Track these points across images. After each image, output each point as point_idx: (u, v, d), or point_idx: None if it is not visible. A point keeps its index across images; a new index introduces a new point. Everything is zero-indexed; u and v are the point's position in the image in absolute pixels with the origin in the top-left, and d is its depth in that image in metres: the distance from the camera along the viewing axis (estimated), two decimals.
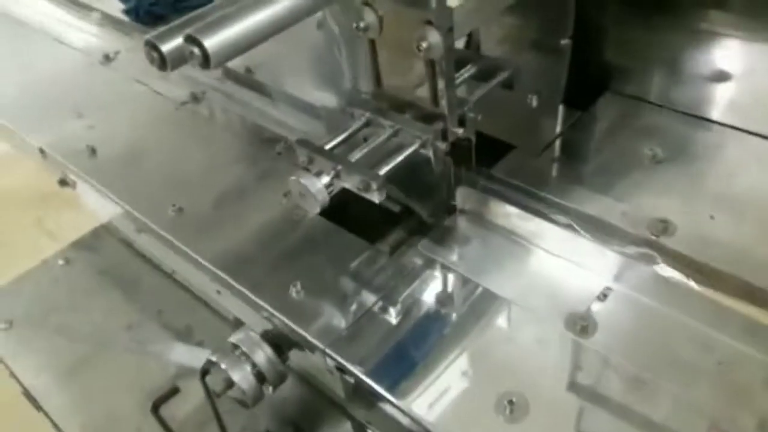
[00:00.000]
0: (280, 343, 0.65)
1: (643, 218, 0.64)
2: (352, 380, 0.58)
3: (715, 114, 0.76)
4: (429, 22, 0.56)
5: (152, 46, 0.57)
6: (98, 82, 0.97)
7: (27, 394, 0.81)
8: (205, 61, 0.55)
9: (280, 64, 0.86)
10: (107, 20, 1.13)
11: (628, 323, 0.58)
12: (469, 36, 0.78)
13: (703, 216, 0.65)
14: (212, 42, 0.54)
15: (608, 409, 0.53)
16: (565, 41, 0.76)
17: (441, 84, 0.61)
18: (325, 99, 0.78)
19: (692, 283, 0.58)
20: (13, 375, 0.84)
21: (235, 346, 0.63)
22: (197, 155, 0.80)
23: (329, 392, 0.70)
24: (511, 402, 0.52)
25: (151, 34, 0.57)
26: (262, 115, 0.84)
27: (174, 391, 0.71)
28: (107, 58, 1.02)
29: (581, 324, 0.57)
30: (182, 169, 0.78)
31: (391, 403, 0.54)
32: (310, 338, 0.59)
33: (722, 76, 0.74)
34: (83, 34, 1.11)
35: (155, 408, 0.68)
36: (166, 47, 0.56)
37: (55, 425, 0.77)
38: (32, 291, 0.95)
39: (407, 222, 0.74)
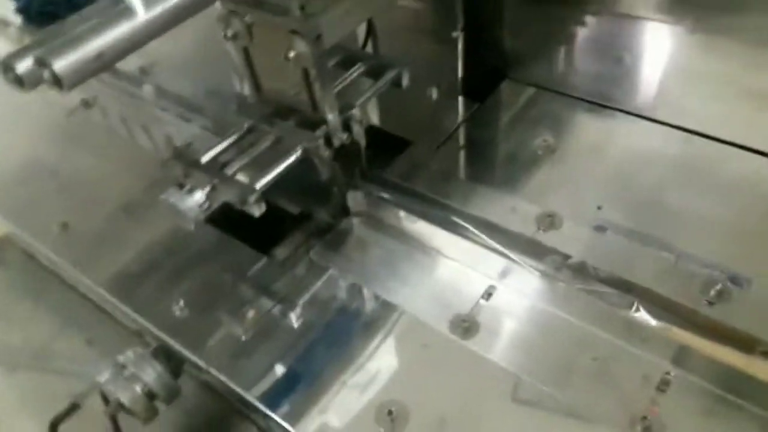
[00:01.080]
0: (173, 357, 0.64)
1: (531, 213, 0.64)
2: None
3: (611, 99, 0.76)
4: (295, 32, 0.55)
5: (6, 67, 0.54)
6: None
7: None
8: (57, 83, 0.52)
9: (174, 63, 0.83)
10: None
11: (510, 322, 0.58)
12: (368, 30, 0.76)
13: (590, 207, 0.65)
14: (63, 64, 0.52)
15: (486, 412, 0.53)
16: (456, 33, 0.75)
17: (317, 91, 0.59)
18: (217, 102, 0.76)
19: (571, 281, 0.59)
20: None
21: (123, 366, 0.62)
22: (87, 166, 0.77)
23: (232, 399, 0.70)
24: (390, 412, 0.52)
25: (6, 54, 0.54)
26: (157, 119, 0.82)
27: (73, 408, 0.69)
28: None
29: (463, 326, 0.58)
30: (70, 183, 0.75)
31: (276, 422, 0.54)
32: (194, 359, 0.58)
33: (618, 61, 0.75)
34: None
35: (53, 427, 0.67)
36: (21, 68, 0.54)
37: None
38: None
39: (303, 225, 0.73)
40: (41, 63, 0.51)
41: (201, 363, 0.57)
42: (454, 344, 0.57)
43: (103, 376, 0.61)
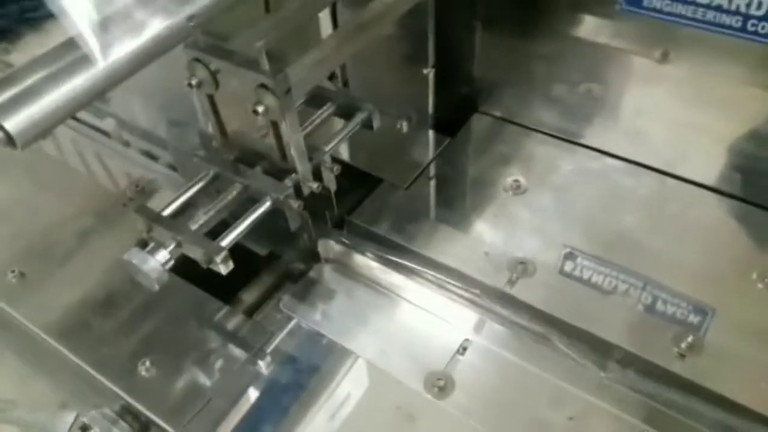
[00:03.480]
0: (139, 416, 0.62)
1: (504, 260, 0.64)
2: None
3: (581, 136, 0.76)
4: (263, 86, 0.52)
5: None
6: None
7: None
8: (10, 142, 0.49)
9: (136, 94, 0.79)
10: None
11: (486, 379, 0.57)
12: None
13: (560, 249, 0.65)
14: (16, 122, 0.48)
15: None
16: (427, 70, 0.74)
17: (287, 143, 0.57)
18: (181, 139, 0.72)
19: (544, 336, 0.59)
20: None
21: (87, 426, 0.60)
22: (41, 203, 0.73)
23: None
24: None
25: None
26: (118, 154, 0.78)
27: None
28: None
29: (438, 384, 0.57)
30: (23, 223, 0.71)
31: None
32: (162, 423, 0.56)
33: (588, 97, 0.74)
34: None
35: None
36: None
37: None
38: None
39: (272, 267, 0.71)
40: None
41: (169, 429, 0.55)
42: (428, 404, 0.56)
43: None
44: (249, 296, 0.69)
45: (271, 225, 0.65)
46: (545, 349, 0.58)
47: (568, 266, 0.64)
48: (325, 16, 0.72)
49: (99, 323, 0.63)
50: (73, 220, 0.71)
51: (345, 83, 0.80)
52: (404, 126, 0.75)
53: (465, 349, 0.59)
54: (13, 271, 0.66)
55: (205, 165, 0.62)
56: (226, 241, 0.56)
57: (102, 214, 0.71)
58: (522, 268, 0.63)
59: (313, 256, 0.68)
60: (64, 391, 0.74)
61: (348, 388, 0.58)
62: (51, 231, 0.70)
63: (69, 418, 0.68)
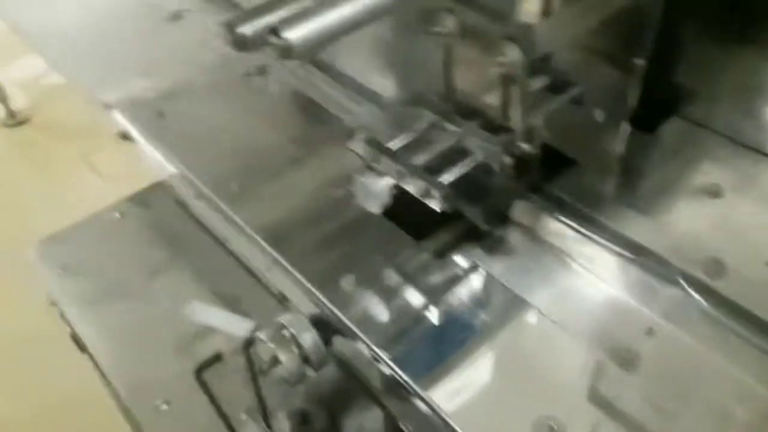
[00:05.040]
0: (325, 327, 0.67)
1: (697, 256, 0.64)
2: (389, 372, 0.60)
3: None
4: (510, 38, 0.56)
5: (230, 29, 0.58)
6: (165, 41, 0.98)
7: (75, 337, 0.85)
8: (288, 53, 0.55)
9: (348, 45, 0.85)
10: None
11: (671, 363, 0.58)
12: None
13: (758, 261, 0.64)
14: (297, 35, 0.55)
15: None
16: (640, 60, 0.75)
17: (515, 100, 0.61)
18: (392, 90, 0.78)
19: (740, 331, 0.59)
20: (63, 317, 0.88)
21: (283, 326, 0.65)
22: (260, 131, 0.81)
23: (365, 380, 0.72)
24: (552, 429, 0.53)
25: (231, 16, 0.58)
26: (327, 97, 0.85)
27: (217, 358, 0.74)
28: (176, 17, 1.03)
29: (625, 356, 0.58)
30: (245, 145, 0.79)
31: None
32: (360, 334, 0.60)
33: None
34: None
35: (198, 373, 0.71)
36: (245, 30, 0.57)
37: (102, 372, 0.81)
38: (87, 240, 0.99)
39: (458, 224, 0.74)
40: (274, 33, 0.54)
41: (367, 340, 0.60)
42: (613, 374, 0.57)
43: (263, 333, 0.65)
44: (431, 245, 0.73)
45: (465, 183, 0.69)
46: (737, 343, 0.58)
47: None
48: None
49: (305, 237, 0.69)
50: (288, 145, 0.78)
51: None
52: (601, 115, 0.77)
53: (652, 330, 0.60)
54: (233, 182, 0.74)
55: (424, 112, 0.67)
56: (447, 178, 0.60)
57: (316, 144, 0.78)
58: (716, 267, 0.63)
59: (502, 219, 0.71)
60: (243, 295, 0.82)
61: (524, 340, 0.61)
62: (268, 152, 0.78)
63: (248, 324, 0.75)
